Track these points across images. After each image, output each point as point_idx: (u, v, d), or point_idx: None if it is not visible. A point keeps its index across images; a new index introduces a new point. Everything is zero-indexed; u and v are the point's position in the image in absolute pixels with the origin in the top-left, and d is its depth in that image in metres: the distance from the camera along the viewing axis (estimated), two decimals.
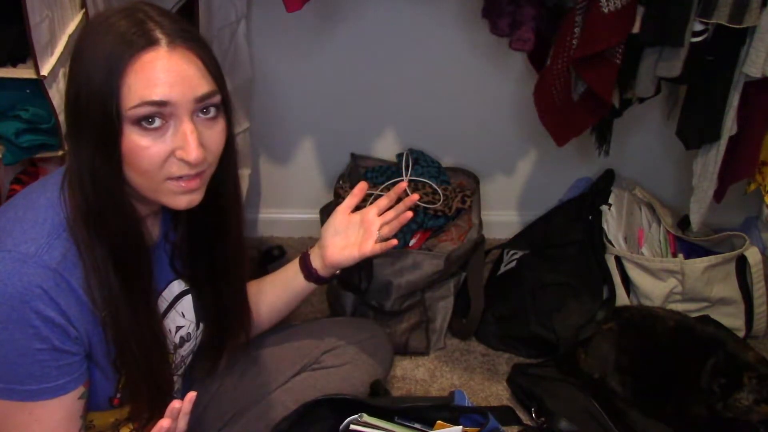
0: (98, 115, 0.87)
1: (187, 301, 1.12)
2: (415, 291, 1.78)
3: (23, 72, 1.38)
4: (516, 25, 1.54)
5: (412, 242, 1.85)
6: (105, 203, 0.92)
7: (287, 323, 1.47)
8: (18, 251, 0.88)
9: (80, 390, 0.95)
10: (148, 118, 0.88)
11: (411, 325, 1.81)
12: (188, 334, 1.13)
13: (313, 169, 2.15)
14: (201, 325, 1.16)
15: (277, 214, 2.23)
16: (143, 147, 0.89)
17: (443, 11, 1.89)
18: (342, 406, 1.26)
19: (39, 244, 0.89)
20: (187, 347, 1.14)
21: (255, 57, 1.91)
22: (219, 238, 1.09)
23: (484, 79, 2.00)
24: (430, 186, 1.93)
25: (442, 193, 1.90)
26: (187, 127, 0.90)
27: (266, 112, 2.03)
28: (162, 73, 0.88)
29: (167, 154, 0.91)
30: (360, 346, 1.42)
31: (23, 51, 1.38)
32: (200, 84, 0.91)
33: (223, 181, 1.02)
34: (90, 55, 0.88)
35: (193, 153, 0.90)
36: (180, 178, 0.92)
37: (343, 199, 1.94)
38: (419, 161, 2.01)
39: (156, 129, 0.89)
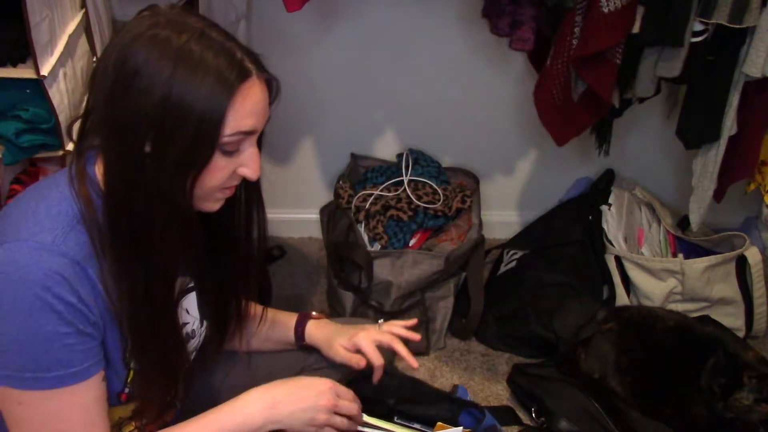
0: (193, 140, 0.89)
1: (192, 298, 1.13)
2: (415, 291, 1.78)
3: (23, 72, 1.38)
4: (516, 25, 1.54)
5: (412, 242, 1.85)
6: (167, 215, 0.93)
7: None
8: (35, 240, 0.89)
9: (102, 373, 0.97)
10: (235, 143, 0.93)
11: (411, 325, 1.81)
12: (193, 330, 1.14)
13: (313, 169, 2.15)
14: (205, 323, 1.16)
15: (277, 214, 2.22)
16: (220, 168, 0.94)
17: (443, 11, 1.89)
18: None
19: (55, 234, 0.90)
20: (192, 344, 1.15)
21: None
22: (229, 240, 1.11)
23: (484, 79, 2.00)
24: (430, 186, 1.93)
25: (442, 193, 1.91)
26: (255, 149, 0.96)
27: None
28: (257, 105, 0.93)
29: (234, 171, 0.96)
30: None
31: (23, 51, 1.38)
32: (269, 110, 0.98)
33: (245, 184, 1.06)
34: (184, 88, 0.88)
35: (258, 173, 0.97)
36: (230, 188, 0.99)
37: (343, 199, 1.95)
38: (419, 161, 2.01)
39: (234, 152, 0.94)
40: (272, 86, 0.99)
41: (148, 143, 0.89)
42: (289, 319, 1.32)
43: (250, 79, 0.92)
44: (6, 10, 1.34)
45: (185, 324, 1.12)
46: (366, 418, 1.20)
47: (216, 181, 0.95)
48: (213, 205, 1.00)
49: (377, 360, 1.24)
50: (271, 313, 1.33)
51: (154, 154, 0.90)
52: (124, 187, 0.92)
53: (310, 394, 1.07)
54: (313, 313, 1.33)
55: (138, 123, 0.89)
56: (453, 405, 1.36)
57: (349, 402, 1.12)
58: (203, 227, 1.05)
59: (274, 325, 1.31)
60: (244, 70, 0.91)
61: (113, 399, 1.02)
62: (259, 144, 0.99)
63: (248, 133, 0.93)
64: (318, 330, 1.29)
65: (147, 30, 0.89)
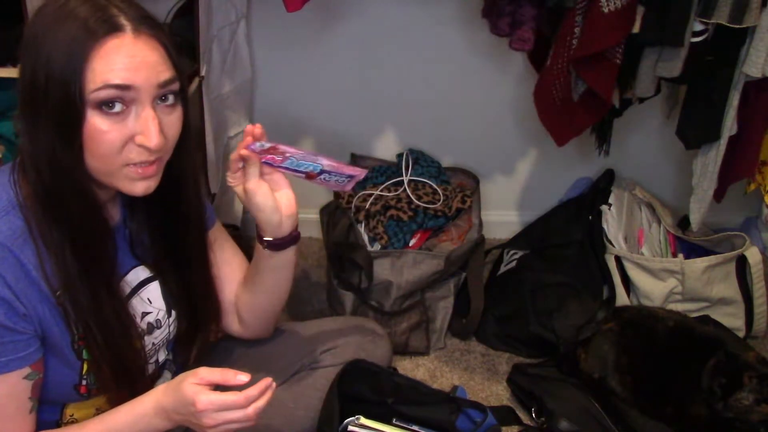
0: (60, 98, 0.87)
1: (154, 288, 1.12)
2: (415, 291, 1.78)
3: None
4: (516, 25, 1.54)
5: (412, 242, 1.85)
6: (64, 186, 0.92)
7: (287, 323, 1.47)
8: None
9: (26, 370, 0.94)
10: (109, 103, 0.89)
11: (411, 325, 1.81)
12: (157, 320, 1.12)
13: None
14: (173, 313, 1.15)
15: None
16: (103, 131, 0.89)
17: (443, 11, 1.89)
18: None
19: None
20: (159, 334, 1.13)
21: (255, 57, 1.91)
22: (179, 226, 1.09)
23: (484, 79, 2.00)
24: (430, 186, 1.93)
25: (442, 193, 1.91)
26: (149, 113, 0.91)
27: (266, 112, 2.03)
28: (126, 58, 0.89)
29: (126, 139, 0.91)
30: (359, 345, 1.42)
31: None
32: (163, 70, 0.92)
33: (181, 168, 1.03)
34: (50, 39, 0.88)
35: (154, 139, 0.91)
36: (137, 164, 0.93)
37: (343, 199, 1.95)
38: (419, 161, 2.01)
39: (117, 114, 0.90)
40: (164, 45, 0.93)
41: (34, 109, 0.88)
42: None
43: (119, 33, 0.89)
44: (6, 10, 1.35)
45: (147, 314, 1.10)
46: (363, 420, 1.20)
47: (106, 147, 0.90)
48: (130, 185, 0.95)
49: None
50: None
51: (39, 119, 0.88)
52: (32, 162, 0.91)
53: (192, 410, 0.96)
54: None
55: (25, 89, 0.89)
56: (452, 405, 1.36)
57: (235, 411, 0.96)
58: (150, 214, 1.04)
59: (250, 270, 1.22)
60: (115, 25, 0.89)
61: (72, 392, 1.00)
62: (186, 115, 0.96)
63: (122, 88, 0.89)
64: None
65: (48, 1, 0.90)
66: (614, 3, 1.42)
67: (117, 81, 0.88)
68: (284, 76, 1.99)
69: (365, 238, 1.85)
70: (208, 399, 0.94)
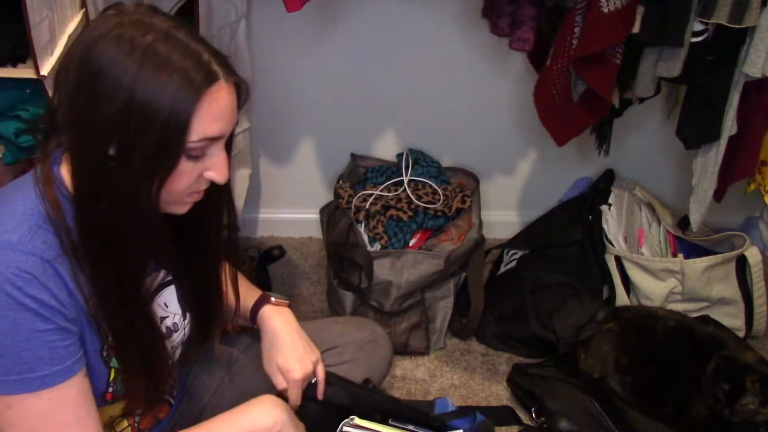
0: (158, 145, 0.87)
1: (170, 292, 1.13)
2: (415, 291, 1.78)
3: (23, 72, 1.38)
4: (516, 25, 1.54)
5: (412, 242, 1.85)
6: (130, 217, 0.92)
7: None
8: (0, 241, 0.88)
9: (84, 370, 0.96)
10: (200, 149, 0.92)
11: (411, 325, 1.81)
12: (174, 324, 1.13)
13: (313, 169, 2.15)
14: (187, 315, 1.16)
15: (277, 214, 2.23)
16: (187, 172, 0.92)
17: (443, 11, 1.89)
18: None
19: (20, 234, 0.89)
20: (176, 338, 1.14)
21: (255, 56, 1.91)
22: (199, 231, 1.10)
23: (484, 79, 2.00)
24: (430, 186, 1.93)
25: (442, 193, 1.91)
26: (224, 154, 0.95)
27: (266, 112, 2.03)
28: (222, 111, 0.91)
29: (200, 175, 0.95)
30: (359, 345, 1.42)
31: (23, 51, 1.38)
32: (237, 114, 0.95)
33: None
34: (148, 84, 0.85)
35: (225, 178, 0.96)
36: (197, 193, 0.98)
37: (343, 199, 1.95)
38: (419, 161, 2.01)
39: (200, 156, 0.93)
40: (240, 90, 0.95)
41: (112, 147, 0.88)
42: (252, 296, 1.29)
43: (217, 83, 0.89)
44: (6, 10, 1.35)
45: (164, 318, 1.11)
46: (357, 420, 1.20)
47: (182, 185, 0.93)
48: (181, 209, 0.99)
49: (292, 401, 1.22)
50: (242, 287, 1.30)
51: (118, 157, 0.88)
52: (89, 189, 0.91)
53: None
54: (273, 298, 1.27)
55: (102, 126, 0.87)
56: (434, 423, 1.33)
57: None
58: (173, 223, 1.05)
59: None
60: (211, 73, 0.89)
61: (98, 399, 1.01)
62: (228, 147, 0.97)
63: (215, 139, 0.91)
64: (270, 322, 1.25)
65: (112, 29, 0.86)
66: (614, 3, 1.42)
67: (214, 134, 0.91)
68: (284, 76, 1.99)
69: (365, 238, 1.85)
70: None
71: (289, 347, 1.22)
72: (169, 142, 0.87)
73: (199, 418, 1.28)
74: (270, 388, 1.24)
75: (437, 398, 1.41)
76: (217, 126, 0.90)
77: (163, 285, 1.11)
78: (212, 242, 1.12)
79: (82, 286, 0.93)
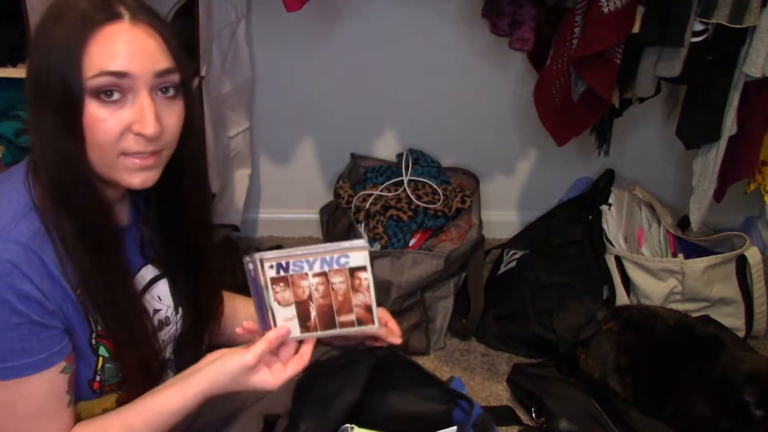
0: (59, 88, 0.88)
1: (163, 285, 1.12)
2: (415, 291, 1.78)
3: (23, 72, 1.37)
4: (516, 25, 1.54)
5: (412, 242, 1.85)
6: (69, 179, 0.92)
7: None
8: None
9: (62, 364, 0.95)
10: (107, 91, 0.89)
11: (411, 325, 1.81)
12: (167, 317, 1.13)
13: (313, 169, 2.16)
14: (180, 310, 1.16)
15: (277, 214, 2.23)
16: (101, 119, 0.90)
17: (443, 11, 1.89)
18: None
19: (5, 222, 0.90)
20: (167, 331, 1.14)
21: (255, 57, 1.91)
22: (185, 224, 1.09)
23: (484, 79, 2.00)
24: (430, 186, 1.93)
25: (442, 193, 1.91)
26: (145, 101, 0.91)
27: (266, 112, 2.03)
28: (123, 45, 0.89)
29: (124, 128, 0.91)
30: (359, 345, 1.42)
31: (23, 51, 1.38)
32: (161, 59, 0.92)
33: (185, 166, 1.03)
34: (51, 32, 0.89)
35: (150, 127, 0.90)
36: (134, 154, 0.93)
37: (343, 199, 1.95)
38: (419, 161, 2.01)
39: (114, 102, 0.90)
40: (165, 33, 0.93)
41: (39, 103, 0.89)
42: (244, 307, 1.27)
43: (117, 21, 0.89)
44: (6, 10, 1.35)
45: (158, 311, 1.11)
46: (357, 430, 1.19)
47: (104, 136, 0.90)
48: (129, 177, 0.94)
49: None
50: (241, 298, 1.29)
51: (43, 114, 0.89)
52: (38, 157, 0.93)
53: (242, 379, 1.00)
54: None
55: (30, 85, 0.90)
56: (446, 395, 1.33)
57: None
58: (159, 216, 1.05)
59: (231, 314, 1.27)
60: (113, 14, 0.89)
61: (85, 388, 1.01)
62: (189, 103, 0.96)
63: (119, 75, 0.89)
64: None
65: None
66: (614, 3, 1.42)
67: (114, 68, 0.88)
68: (284, 76, 1.99)
69: (365, 238, 1.85)
70: (253, 353, 0.97)
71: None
72: (66, 79, 0.87)
73: (195, 417, 1.28)
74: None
75: (453, 377, 1.40)
76: (119, 61, 0.88)
77: (156, 278, 1.11)
78: (200, 233, 1.11)
79: (68, 274, 0.93)
